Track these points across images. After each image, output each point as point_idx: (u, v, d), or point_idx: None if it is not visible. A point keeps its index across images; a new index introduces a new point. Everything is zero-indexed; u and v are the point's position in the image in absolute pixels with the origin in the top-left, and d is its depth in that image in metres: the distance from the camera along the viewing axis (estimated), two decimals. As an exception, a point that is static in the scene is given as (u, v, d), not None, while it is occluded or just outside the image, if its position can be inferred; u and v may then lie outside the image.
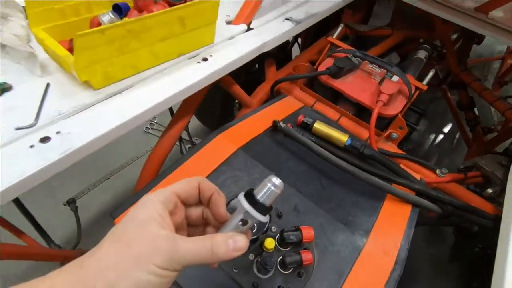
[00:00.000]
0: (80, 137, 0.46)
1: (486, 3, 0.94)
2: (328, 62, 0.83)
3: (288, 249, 0.49)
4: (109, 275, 0.24)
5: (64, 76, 0.55)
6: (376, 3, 1.22)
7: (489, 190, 0.72)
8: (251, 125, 0.71)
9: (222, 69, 0.66)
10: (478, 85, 1.21)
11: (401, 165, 0.70)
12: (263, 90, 0.92)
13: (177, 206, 0.31)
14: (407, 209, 0.60)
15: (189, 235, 0.33)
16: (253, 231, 0.47)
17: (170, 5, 0.63)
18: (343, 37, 1.08)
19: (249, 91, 0.91)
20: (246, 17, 0.78)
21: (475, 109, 1.41)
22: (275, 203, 0.33)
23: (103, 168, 1.50)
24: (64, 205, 1.30)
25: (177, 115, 0.75)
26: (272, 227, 0.51)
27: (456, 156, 1.75)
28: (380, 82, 0.78)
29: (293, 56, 1.32)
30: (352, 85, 0.80)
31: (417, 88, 0.79)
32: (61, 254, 0.69)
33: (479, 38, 1.35)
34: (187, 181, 0.33)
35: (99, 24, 0.60)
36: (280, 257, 0.47)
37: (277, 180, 0.32)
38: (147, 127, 1.71)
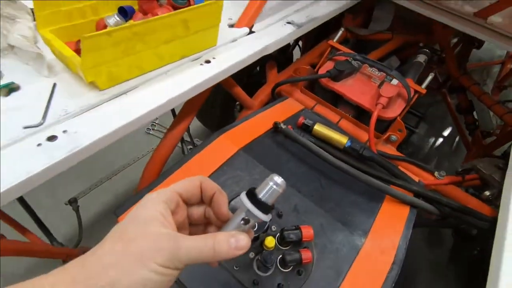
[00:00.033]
0: (86, 136, 0.47)
1: (485, 8, 0.95)
2: (328, 65, 0.84)
3: (288, 247, 0.50)
4: (111, 273, 0.24)
5: (70, 77, 0.57)
6: (377, 7, 1.24)
7: (487, 193, 0.73)
8: (252, 126, 0.72)
9: (224, 71, 0.67)
10: (477, 89, 1.22)
11: (400, 167, 0.71)
12: (264, 92, 0.94)
13: (179, 205, 0.32)
14: (405, 210, 0.61)
15: (190, 234, 0.32)
16: (254, 229, 0.47)
17: (174, 8, 0.65)
18: (343, 41, 1.09)
19: (251, 93, 0.92)
20: (248, 20, 0.79)
21: (474, 113, 1.42)
22: (276, 203, 0.33)
23: (104, 168, 1.51)
24: (66, 204, 1.31)
25: (180, 116, 0.77)
26: (272, 226, 0.52)
27: (456, 159, 1.76)
28: (380, 85, 0.80)
29: (294, 59, 1.33)
30: (352, 88, 0.81)
31: (416, 91, 0.80)
32: (63, 252, 0.70)
33: (479, 43, 1.36)
34: (189, 180, 0.33)
35: (105, 26, 0.61)
36: (280, 256, 0.48)
37: (279, 179, 0.32)
38: (148, 128, 1.73)
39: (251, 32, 0.80)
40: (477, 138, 1.35)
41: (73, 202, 0.98)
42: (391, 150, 0.79)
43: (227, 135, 0.68)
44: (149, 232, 0.27)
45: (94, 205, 1.38)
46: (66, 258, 0.70)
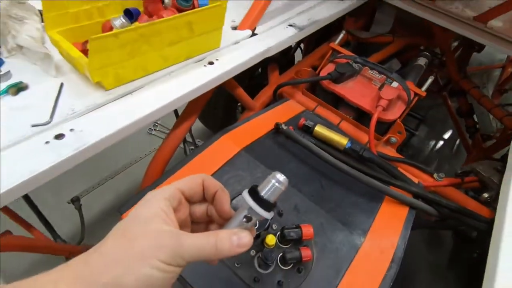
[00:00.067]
0: (92, 135, 0.49)
1: (485, 12, 0.96)
2: (329, 68, 0.85)
3: (288, 246, 0.51)
4: (114, 270, 0.24)
5: (77, 77, 0.58)
6: (378, 11, 1.25)
7: (485, 195, 0.74)
8: (254, 127, 0.74)
9: (227, 72, 0.68)
10: (477, 92, 1.23)
11: (400, 169, 0.72)
12: (266, 93, 0.95)
13: (181, 203, 0.32)
14: (404, 211, 0.62)
15: (192, 232, 0.32)
16: (255, 227, 0.48)
17: (179, 10, 0.66)
18: (344, 44, 1.10)
19: (252, 94, 0.94)
20: (251, 23, 0.80)
21: (475, 116, 1.43)
22: (277, 201, 0.33)
23: (107, 168, 1.53)
24: (68, 203, 1.32)
25: (183, 117, 0.78)
26: (273, 224, 0.53)
27: (456, 162, 1.77)
28: (380, 88, 0.81)
29: (296, 61, 1.35)
30: (352, 90, 0.82)
31: (416, 94, 0.81)
32: (66, 249, 0.71)
33: (480, 46, 1.37)
34: (191, 178, 0.33)
35: (111, 28, 0.63)
36: (281, 254, 0.49)
37: (281, 177, 0.32)
38: (150, 129, 1.74)
39: (253, 34, 0.81)
40: (477, 141, 1.36)
41: (75, 201, 0.99)
42: (391, 151, 0.80)
43: (229, 136, 0.69)
44: (152, 229, 0.27)
45: (96, 204, 1.40)
46: (69, 255, 0.71)
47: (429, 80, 0.85)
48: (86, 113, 0.52)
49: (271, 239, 0.49)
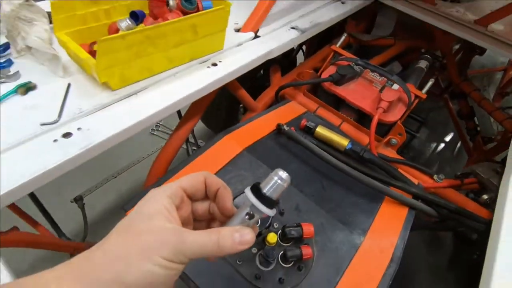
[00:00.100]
0: (99, 134, 0.50)
1: (486, 16, 0.97)
2: (331, 70, 0.87)
3: (289, 244, 0.52)
4: (117, 267, 0.25)
5: (84, 77, 0.60)
6: (379, 14, 1.26)
7: (485, 196, 0.74)
8: (256, 127, 0.75)
9: (230, 74, 0.70)
10: (477, 95, 1.24)
11: (400, 170, 0.73)
12: (268, 95, 0.96)
13: (184, 200, 0.32)
14: (403, 211, 0.63)
15: (195, 229, 0.31)
16: (257, 225, 0.49)
17: (184, 13, 0.67)
18: (346, 46, 1.12)
19: (254, 95, 0.95)
20: (254, 25, 0.82)
21: (476, 118, 1.44)
22: (278, 200, 0.33)
23: (109, 168, 1.54)
24: (72, 202, 1.34)
25: (186, 117, 0.79)
26: (275, 223, 0.54)
27: (457, 164, 1.77)
28: (381, 90, 0.82)
29: (298, 63, 1.36)
30: (353, 92, 0.83)
31: (416, 96, 0.82)
32: (71, 245, 0.72)
33: (481, 49, 1.38)
34: (193, 175, 0.32)
35: (117, 30, 0.64)
36: (282, 251, 0.50)
37: (283, 174, 0.32)
38: (152, 129, 1.75)
39: (256, 36, 0.82)
40: (478, 143, 1.37)
41: (78, 200, 1.00)
42: (391, 153, 0.80)
43: (231, 136, 0.70)
44: (154, 226, 0.27)
45: (99, 203, 1.41)
46: (73, 251, 0.72)
47: (430, 83, 0.86)
48: (93, 113, 0.54)
49: (272, 237, 0.50)
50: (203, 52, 0.70)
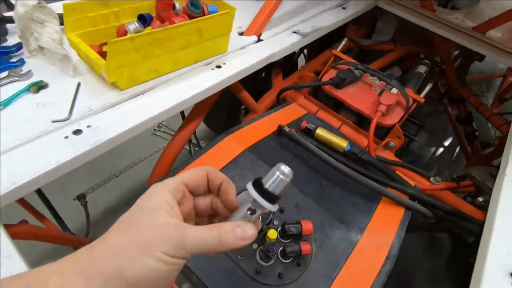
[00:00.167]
0: (107, 131, 0.52)
1: (484, 23, 1.00)
2: (331, 73, 0.89)
3: (288, 240, 0.53)
4: (117, 261, 0.24)
5: (93, 77, 0.62)
6: (380, 19, 1.29)
7: (480, 199, 0.76)
8: (258, 128, 0.77)
9: (233, 76, 0.72)
10: (475, 100, 1.26)
11: (398, 173, 0.75)
12: (269, 97, 0.98)
13: (185, 195, 0.31)
14: (400, 212, 0.65)
15: (196, 225, 0.31)
16: (259, 220, 0.51)
17: (190, 16, 0.70)
18: (346, 51, 1.14)
19: (256, 97, 0.97)
20: (257, 29, 0.84)
21: (474, 123, 1.46)
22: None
23: (112, 167, 1.56)
24: (74, 200, 1.35)
25: (189, 118, 0.81)
26: (275, 220, 0.56)
27: (456, 169, 1.79)
28: (380, 94, 0.84)
29: (299, 67, 1.38)
30: (353, 96, 0.85)
31: (415, 100, 0.84)
32: (76, 240, 0.74)
33: (480, 56, 1.40)
34: (195, 170, 0.32)
35: (125, 32, 0.66)
36: (281, 247, 0.52)
37: (286, 168, 0.31)
38: (155, 129, 1.77)
39: (259, 40, 0.85)
40: (476, 148, 1.38)
41: (81, 197, 1.02)
42: (389, 155, 0.82)
43: (233, 136, 0.72)
44: (156, 221, 0.27)
45: (101, 202, 1.43)
46: (78, 245, 0.74)
47: (428, 87, 0.88)
48: (102, 111, 0.56)
49: (272, 233, 0.51)
50: (208, 55, 0.72)
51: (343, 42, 1.03)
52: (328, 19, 1.00)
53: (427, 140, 1.94)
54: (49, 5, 0.66)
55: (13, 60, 0.62)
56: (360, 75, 0.89)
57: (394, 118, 0.81)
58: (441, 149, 1.92)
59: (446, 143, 1.96)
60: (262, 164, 0.67)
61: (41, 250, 1.17)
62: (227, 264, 0.51)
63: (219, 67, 0.72)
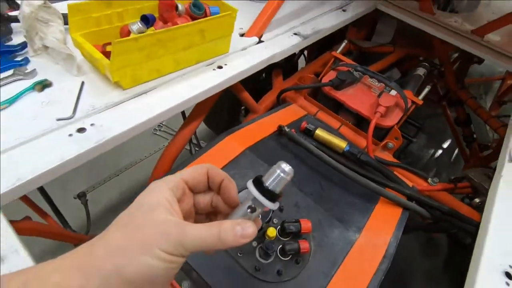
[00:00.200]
0: (111, 130, 0.53)
1: (483, 26, 1.01)
2: (331, 75, 0.90)
3: (287, 238, 0.54)
4: (116, 259, 0.24)
5: (96, 76, 0.63)
6: (379, 22, 1.30)
7: (477, 200, 0.77)
8: (258, 128, 0.78)
9: (234, 76, 0.73)
10: (473, 103, 1.27)
11: (396, 173, 0.76)
12: (269, 97, 0.99)
13: (185, 193, 0.31)
14: (397, 212, 0.66)
15: (196, 223, 0.30)
16: (259, 218, 0.52)
17: (192, 18, 0.71)
18: (346, 52, 1.15)
19: (256, 98, 0.98)
20: (258, 31, 0.85)
21: (472, 126, 1.47)
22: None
23: (112, 166, 1.57)
24: (75, 198, 1.36)
25: (190, 117, 0.82)
26: (274, 219, 0.57)
27: (454, 170, 1.80)
28: (379, 95, 0.85)
29: (299, 68, 1.40)
30: (352, 97, 0.86)
31: (413, 102, 0.85)
32: (77, 237, 0.75)
33: (479, 58, 1.41)
34: (195, 168, 0.32)
35: (128, 32, 0.67)
36: (280, 245, 0.53)
37: (286, 166, 0.31)
38: (155, 129, 1.78)
39: (260, 41, 0.86)
40: (475, 150, 1.40)
41: (82, 196, 1.03)
42: (388, 156, 0.83)
43: (234, 136, 0.73)
44: (155, 218, 0.26)
45: (102, 200, 1.44)
46: (79, 242, 0.75)
47: (426, 89, 0.89)
48: (105, 110, 0.57)
49: (272, 231, 0.52)
50: (209, 55, 0.73)
51: (343, 44, 1.04)
52: (329, 21, 1.02)
53: (426, 142, 1.95)
54: (54, 5, 0.67)
55: (18, 59, 0.63)
56: (359, 77, 0.90)
57: (392, 119, 0.82)
58: (440, 151, 1.93)
59: (445, 145, 1.97)
60: (262, 163, 0.68)
61: (43, 246, 1.18)
62: (227, 261, 0.52)
63: (220, 67, 0.73)
